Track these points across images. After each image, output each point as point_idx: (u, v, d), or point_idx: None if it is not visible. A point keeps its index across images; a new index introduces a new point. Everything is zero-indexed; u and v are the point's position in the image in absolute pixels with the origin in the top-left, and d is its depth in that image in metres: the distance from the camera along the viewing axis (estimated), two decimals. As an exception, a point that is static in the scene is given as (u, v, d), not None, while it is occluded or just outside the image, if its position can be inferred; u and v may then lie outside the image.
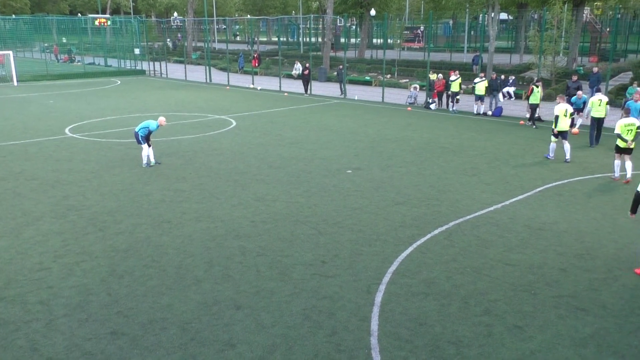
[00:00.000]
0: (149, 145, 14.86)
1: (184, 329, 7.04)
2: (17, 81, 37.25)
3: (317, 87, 33.53)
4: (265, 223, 10.78)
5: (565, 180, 13.71)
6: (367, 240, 9.96)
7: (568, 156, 15.49)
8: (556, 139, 15.53)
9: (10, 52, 38.36)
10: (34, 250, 9.51)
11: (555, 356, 6.42)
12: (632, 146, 13.32)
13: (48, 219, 11.05)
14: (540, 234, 10.20)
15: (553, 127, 15.52)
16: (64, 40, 63.28)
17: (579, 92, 20.38)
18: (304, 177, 14.08)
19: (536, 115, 21.41)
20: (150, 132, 14.66)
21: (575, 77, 22.28)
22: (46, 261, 9.05)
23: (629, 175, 13.38)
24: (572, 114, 15.42)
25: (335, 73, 34.72)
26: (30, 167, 15.14)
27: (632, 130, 13.35)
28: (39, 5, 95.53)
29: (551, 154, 15.75)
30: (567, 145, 15.50)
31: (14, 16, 63.38)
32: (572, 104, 20.24)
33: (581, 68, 33.53)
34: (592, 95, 20.16)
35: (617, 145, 13.55)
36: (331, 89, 33.22)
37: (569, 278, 8.44)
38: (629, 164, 13.48)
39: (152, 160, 15.11)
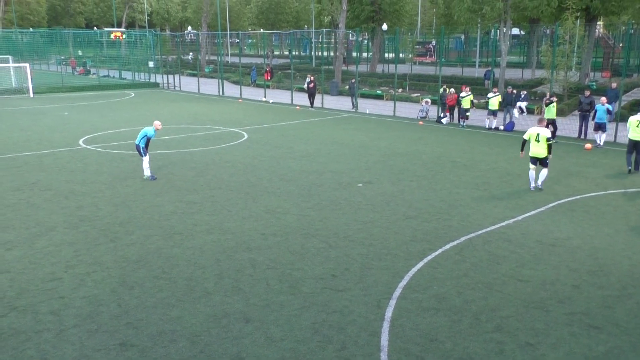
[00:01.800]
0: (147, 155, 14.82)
1: (193, 341, 7.03)
2: (33, 93, 37.77)
3: (328, 101, 33.66)
4: (276, 236, 10.79)
5: (579, 196, 13.59)
6: (378, 254, 9.92)
7: (539, 182, 13.94)
8: (533, 166, 13.86)
9: (28, 65, 38.97)
10: (46, 260, 9.58)
11: (568, 375, 6.33)
12: None
13: (61, 229, 11.14)
14: (552, 250, 10.10)
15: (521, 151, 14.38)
16: (80, 53, 64.19)
17: (603, 99, 20.23)
18: (314, 190, 14.08)
19: (550, 130, 21.31)
20: (149, 140, 14.70)
21: (588, 93, 22.20)
22: (58, 271, 9.11)
23: None
24: (548, 139, 13.55)
25: (347, 87, 34.85)
26: (45, 177, 15.30)
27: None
28: (56, 19, 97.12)
29: (532, 184, 14.04)
30: (543, 172, 13.85)
31: (31, 29, 64.49)
32: (594, 120, 20.11)
33: (594, 83, 33.39)
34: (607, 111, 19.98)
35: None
36: (343, 103, 33.32)
37: (582, 295, 8.33)
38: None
39: (148, 173, 15.04)
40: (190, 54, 64.21)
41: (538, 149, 13.63)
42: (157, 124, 14.85)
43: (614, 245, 10.31)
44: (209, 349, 6.86)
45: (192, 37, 56.31)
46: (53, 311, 7.78)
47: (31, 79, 37.93)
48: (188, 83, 46.14)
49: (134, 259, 9.63)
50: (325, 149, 19.56)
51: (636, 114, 16.40)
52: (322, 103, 32.26)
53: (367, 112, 29.78)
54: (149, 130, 14.65)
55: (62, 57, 57.06)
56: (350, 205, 12.79)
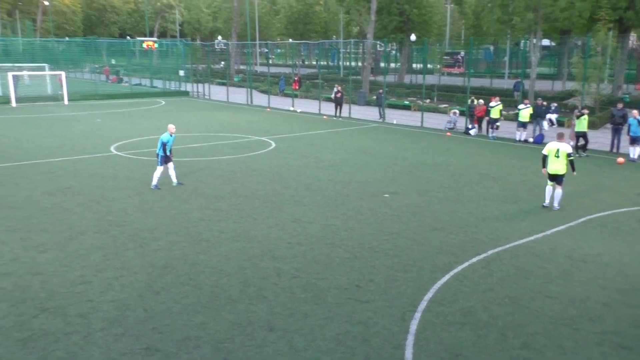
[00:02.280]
0: (166, 164, 14.88)
1: (217, 348, 7.08)
2: (68, 100, 38.74)
3: (356, 111, 33.68)
4: (301, 245, 10.82)
5: (609, 212, 13.30)
6: (403, 265, 9.86)
7: (555, 203, 13.31)
8: (552, 183, 13.31)
9: (63, 73, 40.04)
10: (76, 263, 9.78)
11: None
12: None
13: (91, 233, 11.37)
14: (582, 266, 9.90)
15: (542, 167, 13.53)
16: (113, 62, 65.67)
17: (635, 112, 19.75)
18: (340, 200, 14.09)
19: (580, 143, 20.91)
20: (165, 146, 14.67)
21: (620, 105, 21.76)
22: (87, 275, 9.30)
23: None
24: (569, 155, 12.96)
25: (375, 97, 34.87)
26: (78, 183, 15.65)
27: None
28: (91, 29, 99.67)
29: (546, 200, 13.47)
30: (557, 192, 13.24)
31: (67, 38, 66.27)
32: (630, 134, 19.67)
33: (627, 96, 32.71)
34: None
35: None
36: (370, 113, 33.31)
37: (612, 314, 8.14)
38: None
39: (175, 181, 15.20)
40: (222, 62, 65.10)
41: (557, 165, 13.03)
42: (171, 127, 14.97)
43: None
44: (233, 356, 6.91)
45: (222, 47, 57.05)
46: (82, 314, 7.93)
47: (64, 86, 38.92)
48: (217, 92, 46.76)
49: (160, 264, 9.77)
50: (351, 158, 19.57)
51: None
52: (350, 113, 32.32)
53: (395, 122, 29.71)
54: (163, 136, 14.78)
55: (96, 66, 58.47)
56: (376, 216, 12.76)
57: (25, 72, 42.14)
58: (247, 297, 8.54)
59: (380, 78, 46.44)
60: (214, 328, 7.57)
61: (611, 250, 10.69)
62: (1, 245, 10.64)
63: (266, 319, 7.83)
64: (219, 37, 67.82)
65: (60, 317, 7.85)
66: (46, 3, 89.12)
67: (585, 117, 20.53)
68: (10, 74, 36.87)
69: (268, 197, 14.23)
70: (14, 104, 36.36)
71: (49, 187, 15.08)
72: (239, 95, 44.05)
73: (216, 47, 58.87)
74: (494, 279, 9.29)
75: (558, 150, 12.96)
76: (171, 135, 14.83)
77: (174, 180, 15.21)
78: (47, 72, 43.22)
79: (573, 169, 13.09)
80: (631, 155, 19.87)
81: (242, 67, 68.44)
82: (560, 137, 13.27)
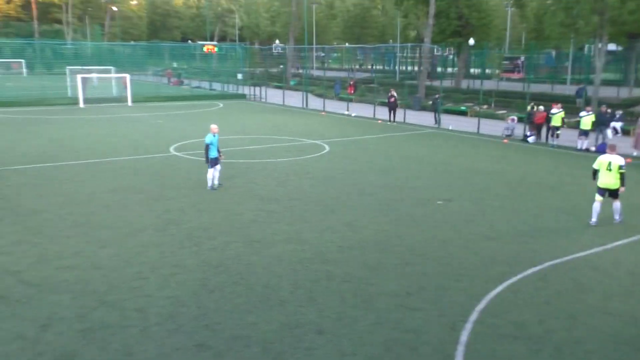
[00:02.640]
0: (214, 166, 15.05)
1: (265, 348, 7.20)
2: (132, 102, 40.29)
3: (411, 116, 33.39)
4: (352, 249, 10.83)
5: (678, 226, 12.61)
6: (455, 274, 9.70)
7: (617, 216, 12.71)
8: (601, 198, 12.54)
9: (128, 75, 41.71)
10: (135, 259, 10.17)
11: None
12: None
13: (150, 231, 11.79)
14: (646, 283, 9.45)
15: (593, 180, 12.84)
16: (175, 65, 67.81)
17: None
18: (393, 205, 14.01)
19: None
20: (209, 148, 14.76)
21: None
22: (145, 271, 9.65)
23: None
24: (621, 168, 12.20)
25: (430, 102, 34.45)
26: (138, 181, 16.26)
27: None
28: (155, 33, 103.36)
29: (593, 219, 12.60)
30: (616, 205, 12.63)
31: (132, 43, 68.97)
32: None
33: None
34: None
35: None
36: (425, 118, 32.94)
37: (678, 333, 7.73)
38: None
39: (216, 182, 15.32)
40: (280, 66, 66.06)
41: (609, 179, 12.31)
42: (213, 127, 15.11)
43: None
44: (281, 357, 7.00)
45: (279, 51, 57.88)
46: (139, 308, 8.24)
47: (128, 88, 40.53)
48: (273, 95, 47.46)
49: (214, 263, 10.02)
50: (405, 164, 19.42)
51: None
52: (404, 118, 32.06)
53: (450, 128, 29.26)
54: (207, 137, 14.96)
55: (159, 69, 60.53)
56: (428, 223, 12.61)
57: (93, 75, 44.14)
58: (297, 299, 8.63)
59: (436, 83, 45.84)
60: (264, 328, 7.70)
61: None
62: (66, 240, 11.20)
63: (315, 322, 7.89)
64: (277, 41, 68.78)
65: (118, 310, 8.18)
66: (114, 9, 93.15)
67: None
68: (79, 77, 38.74)
69: (321, 201, 14.32)
70: (82, 104, 38.15)
71: (111, 185, 15.73)
72: (294, 98, 44.53)
73: (273, 51, 59.74)
74: (549, 292, 9.00)
75: (610, 163, 12.30)
76: (214, 135, 14.98)
77: (216, 181, 15.37)
78: (113, 75, 45.13)
79: (622, 184, 12.29)
80: None
81: (299, 70, 69.16)
82: (612, 149, 12.65)
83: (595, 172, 12.61)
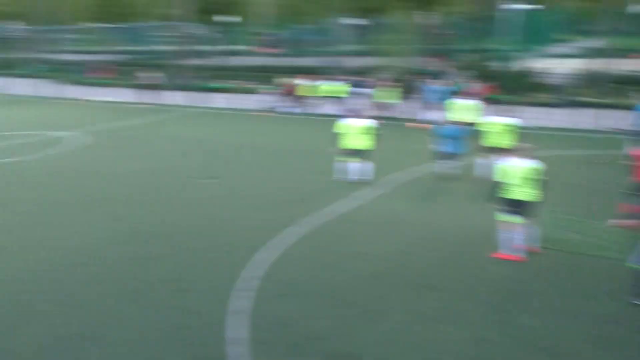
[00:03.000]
0: None
1: (31, 363, 6.48)
2: None
3: (173, 96, 32.59)
4: (122, 244, 10.18)
5: (412, 175, 14.69)
6: (224, 248, 9.85)
7: (367, 176, 13.53)
8: (355, 158, 13.47)
9: None
10: None
11: (411, 334, 6.92)
12: None
13: None
14: (395, 226, 10.83)
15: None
16: None
17: (438, 82, 21.59)
18: (163, 189, 13.63)
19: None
20: None
21: (421, 78, 23.97)
22: None
23: None
24: (370, 129, 13.28)
25: (191, 81, 34.03)
26: None
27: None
28: None
29: (351, 176, 13.51)
30: (365, 165, 13.40)
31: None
32: None
33: (427, 69, 36.07)
34: None
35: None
36: (189, 98, 32.50)
37: (419, 260, 9.08)
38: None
39: None
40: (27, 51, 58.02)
41: (359, 141, 13.26)
42: None
43: (443, 215, 11.35)
44: (50, 368, 6.37)
45: (16, 33, 51.02)
46: None
47: None
48: (18, 84, 41.74)
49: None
50: (169, 146, 18.98)
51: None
52: (169, 99, 31.19)
53: (214, 105, 29.36)
54: None
55: None
56: (195, 203, 12.53)
57: None
58: (59, 307, 7.89)
59: (197, 61, 45.39)
60: (26, 342, 6.90)
61: (416, 209, 11.86)
62: None
63: (85, 329, 7.28)
64: (13, 23, 60.39)
65: None
66: None
67: (391, 89, 22.06)
68: None
69: (84, 194, 13.21)
70: None
71: None
72: (41, 88, 39.85)
73: (9, 33, 52.43)
74: (316, 249, 9.76)
75: (360, 126, 13.18)
76: None
77: None
78: None
79: (373, 145, 13.37)
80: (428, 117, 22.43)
81: (47, 55, 61.81)
82: (357, 113, 13.40)
83: (340, 136, 13.25)
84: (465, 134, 13.70)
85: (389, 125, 22.09)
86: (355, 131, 13.33)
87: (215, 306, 7.71)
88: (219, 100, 31.05)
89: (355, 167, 13.67)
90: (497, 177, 9.09)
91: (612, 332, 6.81)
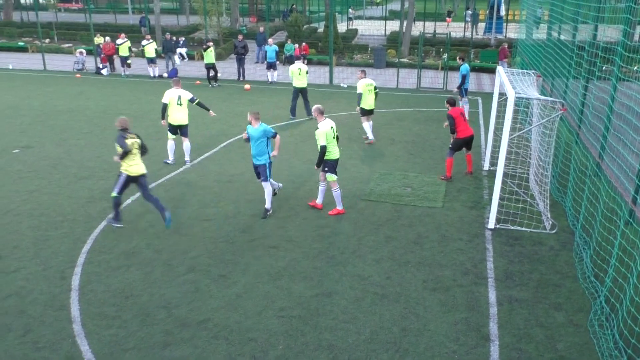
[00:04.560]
0: None
1: None
2: None
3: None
4: None
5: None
6: (52, 223, 8.98)
7: (187, 156, 12.11)
8: (174, 136, 11.90)
9: None
10: None
11: (257, 293, 6.98)
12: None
13: None
14: (230, 186, 10.78)
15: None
16: None
17: (270, 40, 21.79)
18: (-43, 164, 11.77)
19: (210, 74, 22.12)
20: None
21: (241, 37, 23.82)
22: None
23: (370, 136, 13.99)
24: (191, 100, 11.81)
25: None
26: None
27: (371, 90, 13.64)
28: None
29: (171, 157, 12.06)
30: (186, 144, 12.04)
31: None
32: None
33: (244, 28, 35.91)
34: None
35: (362, 108, 13.64)
36: (-23, 58, 28.19)
37: (259, 222, 9.18)
38: (370, 124, 13.99)
39: None
40: None
41: (180, 115, 11.74)
42: None
43: (279, 173, 11.57)
44: None
45: None
46: None
47: None
48: None
49: None
50: (-38, 114, 16.38)
51: (294, 63, 16.50)
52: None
53: (10, 67, 25.92)
54: None
55: None
56: (8, 175, 11.15)
57: None
58: None
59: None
60: None
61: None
62: None
63: None
64: None
65: None
66: None
67: (211, 49, 21.71)
68: None
69: None
70: None
71: None
72: None
73: None
74: (152, 216, 9.31)
75: (180, 97, 11.67)
76: None
77: None
78: None
79: (206, 108, 12.22)
80: (269, 79, 22.53)
81: None
82: (177, 83, 11.85)
83: (164, 108, 11.66)
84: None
85: (223, 86, 21.71)
86: (176, 102, 11.66)
87: (56, 285, 6.98)
88: (14, 60, 27.38)
89: (173, 146, 12.03)
90: (322, 142, 9.02)
91: (439, 276, 7.66)
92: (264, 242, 8.42)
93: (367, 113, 13.85)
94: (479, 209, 9.79)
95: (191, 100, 11.87)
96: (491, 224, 8.94)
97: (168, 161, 12.06)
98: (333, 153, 9.26)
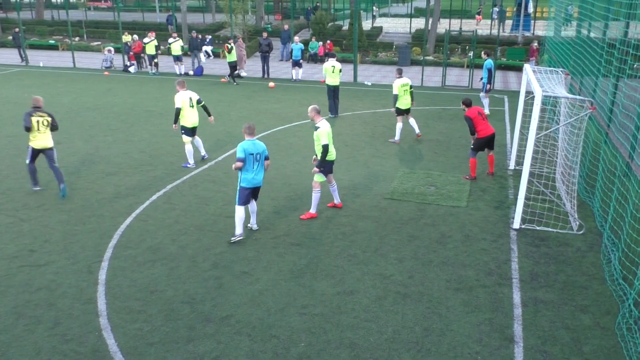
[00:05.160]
0: None
1: None
2: None
3: (-10, 55, 28.72)
4: (-54, 220, 8.96)
5: (269, 131, 14.79)
6: (80, 218, 9.16)
7: (202, 152, 12.27)
8: (189, 138, 11.71)
9: None
10: None
11: (280, 291, 7.02)
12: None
13: None
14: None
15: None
16: None
17: (296, 38, 21.92)
18: (-10, 159, 12.09)
19: (236, 72, 22.30)
20: None
21: (265, 34, 23.93)
22: None
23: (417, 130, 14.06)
24: (199, 102, 11.66)
25: (11, 37, 30.19)
26: None
27: (407, 90, 13.67)
28: None
29: (190, 161, 11.79)
30: (197, 140, 12.07)
31: None
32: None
33: (269, 26, 36.07)
34: None
35: (398, 108, 13.63)
36: (9, 56, 28.86)
37: (282, 219, 9.23)
38: (412, 120, 14.05)
39: None
40: None
41: (194, 117, 11.66)
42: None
43: (302, 171, 11.60)
44: None
45: None
46: None
47: None
48: None
49: None
50: (-5, 110, 16.81)
51: (328, 60, 16.28)
52: (-18, 57, 27.39)
53: (41, 65, 26.49)
54: None
55: None
56: (38, 171, 11.39)
57: None
58: None
59: (12, 15, 40.23)
60: None
61: (275, 165, 11.95)
62: None
63: None
64: None
65: None
66: None
67: (234, 48, 21.82)
68: None
69: None
70: None
71: None
72: None
73: None
74: (177, 212, 9.44)
75: (190, 99, 11.46)
76: None
77: None
78: None
79: (208, 113, 11.96)
80: (294, 77, 22.74)
81: None
82: (181, 85, 11.56)
83: (178, 112, 11.39)
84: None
85: (247, 84, 21.88)
86: (189, 105, 11.52)
87: (83, 279, 7.14)
88: (45, 59, 27.96)
89: (192, 148, 11.90)
90: (325, 141, 8.82)
91: (462, 276, 7.60)
92: (287, 240, 8.46)
93: (402, 113, 13.81)
94: (504, 209, 9.67)
95: (198, 102, 11.70)
96: (516, 224, 8.84)
97: (189, 165, 11.78)
98: (332, 154, 9.13)
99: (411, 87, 13.87)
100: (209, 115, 12.09)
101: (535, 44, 23.20)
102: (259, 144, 8.26)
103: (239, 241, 8.36)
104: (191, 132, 11.73)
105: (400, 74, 13.91)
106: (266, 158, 8.34)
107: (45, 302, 6.70)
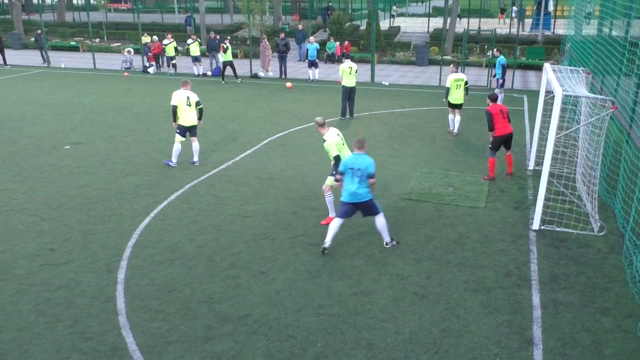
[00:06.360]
0: None
1: None
2: None
3: (13, 56, 29.21)
4: (-30, 219, 9.14)
5: (286, 132, 14.81)
6: (100, 217, 9.27)
7: (195, 158, 12.00)
8: (182, 138, 11.64)
9: None
10: None
11: (297, 291, 7.03)
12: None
13: None
14: (270, 184, 10.88)
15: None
16: None
17: (311, 38, 21.98)
18: (11, 159, 12.28)
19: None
20: None
21: (282, 35, 23.99)
22: None
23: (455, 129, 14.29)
24: (198, 104, 11.65)
25: (33, 39, 30.67)
26: None
27: (460, 85, 13.92)
28: None
29: (173, 159, 11.78)
30: (195, 145, 11.95)
31: None
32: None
33: (286, 26, 36.13)
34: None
35: (449, 101, 14.03)
36: (31, 57, 29.33)
37: (299, 219, 9.24)
38: (458, 118, 14.26)
39: None
40: None
41: (191, 116, 11.65)
42: None
43: (320, 171, 11.59)
44: None
45: None
46: None
47: None
48: None
49: None
50: (17, 111, 17.08)
51: (344, 61, 16.21)
52: (4, 60, 27.84)
53: (63, 66, 26.88)
54: None
55: None
56: (58, 171, 11.57)
57: None
58: None
59: (35, 17, 40.87)
60: None
61: (292, 165, 11.99)
62: None
63: (-62, 314, 6.47)
64: None
65: None
66: None
67: (229, 47, 21.46)
68: None
69: None
70: None
71: None
72: None
73: None
74: (195, 212, 9.51)
75: (188, 97, 11.56)
76: None
77: None
78: None
79: (199, 117, 11.80)
80: (311, 77, 22.81)
81: None
82: (185, 84, 11.77)
83: (175, 110, 11.44)
84: None
85: (265, 84, 21.95)
86: (185, 103, 11.54)
87: (103, 278, 7.22)
88: (66, 60, 28.35)
89: (179, 148, 11.79)
90: (335, 153, 8.56)
91: (480, 277, 7.53)
92: (304, 240, 8.46)
93: (452, 106, 14.19)
94: (523, 210, 9.57)
95: (197, 104, 11.68)
96: (535, 225, 8.73)
97: (171, 163, 11.72)
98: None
99: (466, 82, 14.14)
100: (199, 119, 11.85)
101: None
102: (364, 159, 7.85)
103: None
104: (185, 131, 11.62)
105: (456, 68, 14.27)
106: (371, 176, 7.82)
107: (65, 301, 6.79)
